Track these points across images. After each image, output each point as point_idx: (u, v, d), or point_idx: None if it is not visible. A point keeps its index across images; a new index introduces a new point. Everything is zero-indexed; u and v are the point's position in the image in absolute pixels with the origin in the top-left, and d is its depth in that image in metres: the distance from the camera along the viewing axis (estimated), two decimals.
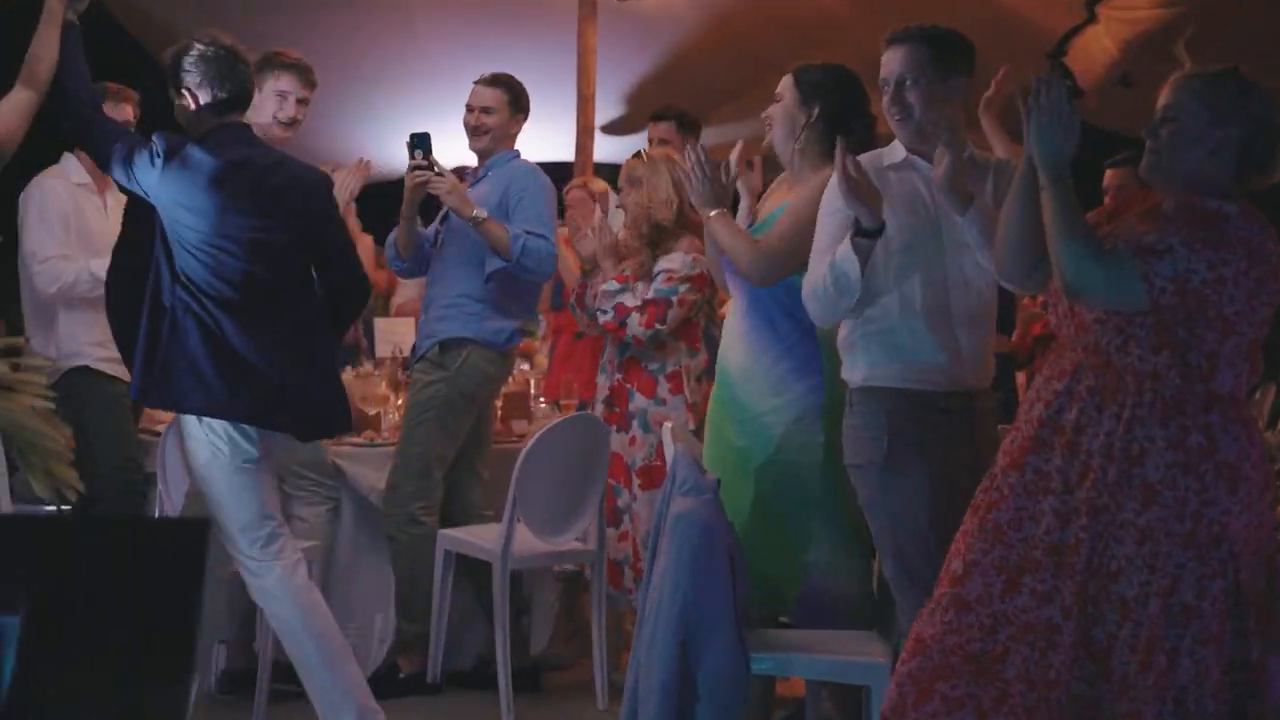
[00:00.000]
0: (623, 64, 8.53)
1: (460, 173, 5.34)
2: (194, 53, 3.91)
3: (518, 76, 5.10)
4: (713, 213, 3.77)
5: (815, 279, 3.43)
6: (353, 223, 6.23)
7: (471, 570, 4.82)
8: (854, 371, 3.49)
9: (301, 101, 4.75)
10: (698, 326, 4.93)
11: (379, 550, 4.97)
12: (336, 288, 4.13)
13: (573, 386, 5.52)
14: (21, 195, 5.14)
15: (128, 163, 3.87)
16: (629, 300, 4.75)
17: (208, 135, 3.91)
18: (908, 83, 3.39)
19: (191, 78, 3.90)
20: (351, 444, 5.04)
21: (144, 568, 1.78)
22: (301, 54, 4.86)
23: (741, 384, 3.86)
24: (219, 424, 3.89)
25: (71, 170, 5.21)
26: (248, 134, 4.03)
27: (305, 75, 4.77)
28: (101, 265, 4.90)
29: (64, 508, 4.93)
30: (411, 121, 7.25)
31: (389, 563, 4.92)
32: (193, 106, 3.92)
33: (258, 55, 4.34)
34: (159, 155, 3.83)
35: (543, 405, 5.63)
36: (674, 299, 4.74)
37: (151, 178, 3.85)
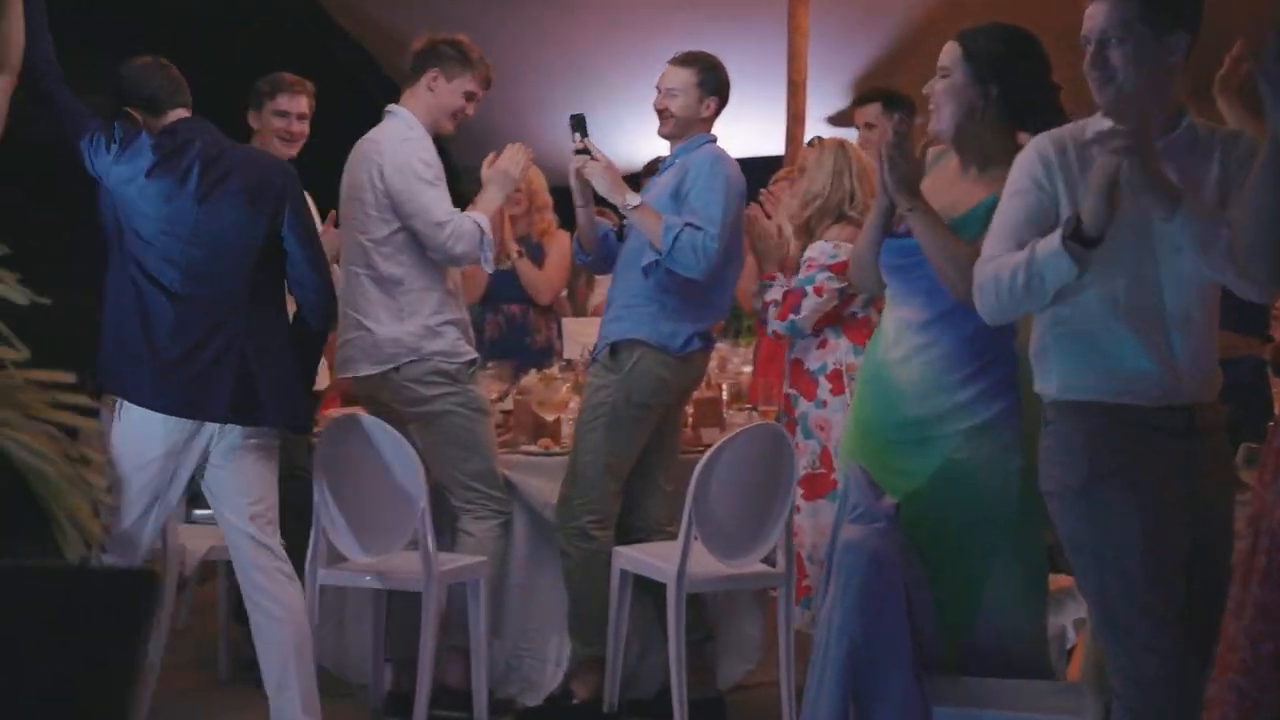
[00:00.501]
0: (846, 49, 8.08)
1: (655, 166, 5.03)
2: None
3: (728, 65, 4.69)
4: (909, 208, 3.24)
5: (995, 271, 2.91)
6: (549, 218, 5.97)
7: (654, 590, 4.47)
8: (1047, 383, 2.96)
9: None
10: (865, 322, 4.53)
11: (554, 568, 4.67)
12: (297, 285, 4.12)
13: (772, 391, 5.16)
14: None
15: (91, 145, 3.88)
16: (773, 294, 4.49)
17: (165, 128, 3.96)
18: (1112, 41, 2.86)
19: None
20: (525, 452, 4.75)
21: (84, 619, 1.49)
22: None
23: (916, 402, 3.35)
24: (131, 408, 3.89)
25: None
26: (201, 125, 4.03)
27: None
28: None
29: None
30: (620, 113, 6.96)
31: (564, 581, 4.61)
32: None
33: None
34: (115, 141, 3.87)
35: (740, 412, 5.24)
36: (809, 288, 4.46)
37: (105, 162, 3.87)
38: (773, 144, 7.50)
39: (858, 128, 5.64)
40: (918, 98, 4.68)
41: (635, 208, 4.46)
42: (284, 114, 5.04)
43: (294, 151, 5.07)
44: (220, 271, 3.94)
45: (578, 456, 4.53)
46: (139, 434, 3.88)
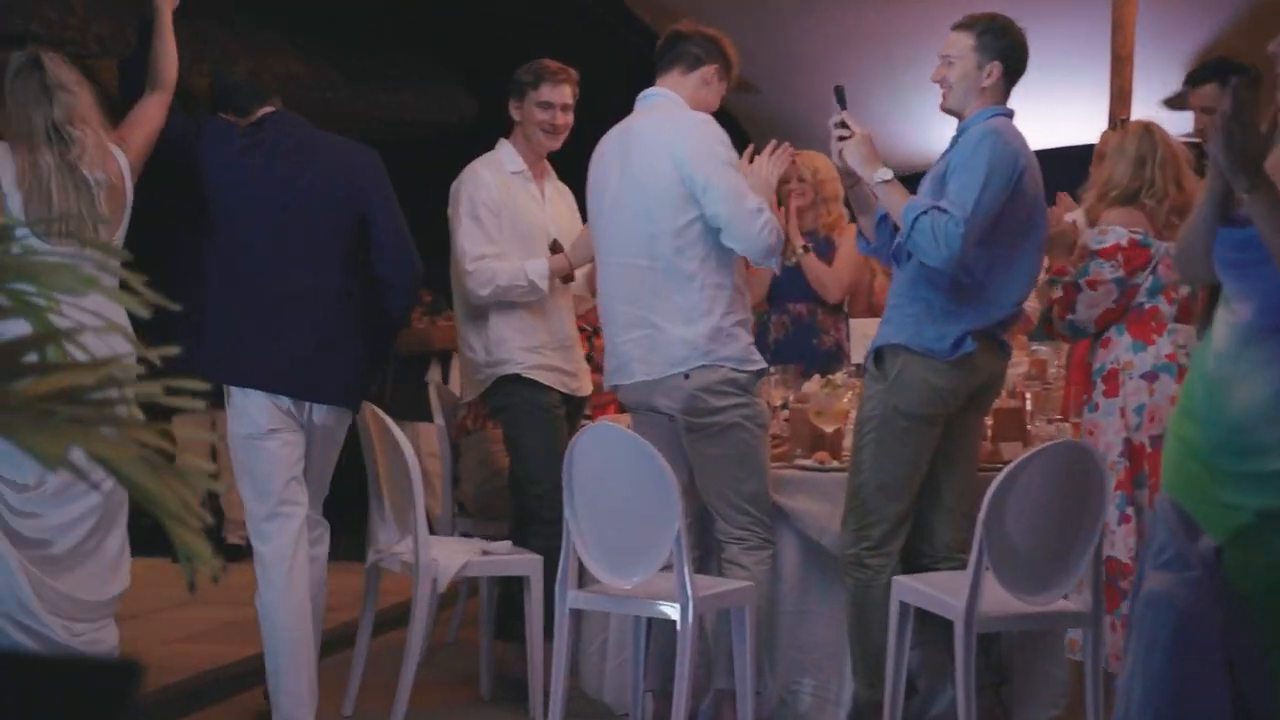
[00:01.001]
0: (1181, 21, 7.28)
1: None
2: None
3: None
4: (1247, 189, 2.64)
5: None
6: (838, 210, 5.50)
7: (942, 625, 3.95)
8: None
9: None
10: (1151, 313, 3.95)
11: (829, 594, 4.22)
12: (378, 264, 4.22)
13: (1082, 399, 4.56)
14: (453, 186, 4.79)
15: (180, 138, 4.08)
16: (1057, 291, 4.03)
17: (254, 121, 4.17)
18: None
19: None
20: (799, 467, 4.31)
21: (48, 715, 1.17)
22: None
23: (1258, 426, 2.72)
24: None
25: (506, 158, 4.80)
26: (288, 116, 4.25)
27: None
28: (538, 268, 4.55)
29: (494, 541, 4.57)
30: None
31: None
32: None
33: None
34: (213, 136, 4.11)
35: (1050, 424, 4.65)
36: (1082, 281, 4.01)
37: (206, 155, 4.07)
38: (1097, 132, 6.80)
39: (1194, 112, 4.96)
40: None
41: (884, 182, 3.96)
42: (547, 105, 4.75)
43: (557, 144, 4.80)
44: (308, 255, 4.09)
45: (853, 476, 4.07)
46: (251, 418, 4.07)
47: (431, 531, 4.50)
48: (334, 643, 4.88)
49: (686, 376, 4.07)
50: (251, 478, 4.11)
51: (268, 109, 4.21)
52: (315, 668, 4.13)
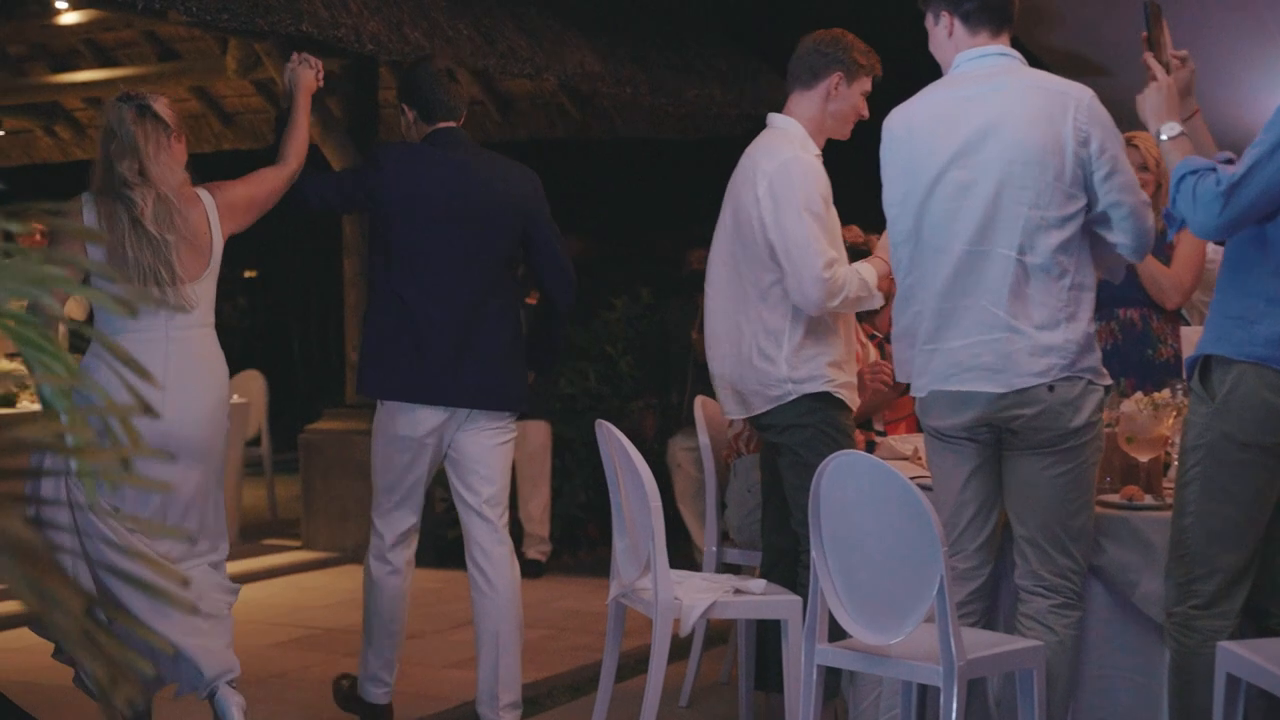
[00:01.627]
0: None
1: None
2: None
3: None
4: None
5: None
6: None
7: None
8: None
9: None
10: None
11: (1148, 664, 3.49)
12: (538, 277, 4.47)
13: None
14: (760, 171, 4.10)
15: (357, 177, 4.31)
16: None
17: (428, 135, 4.32)
18: None
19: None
20: (1107, 503, 3.58)
21: None
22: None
23: None
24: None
25: (810, 145, 4.18)
26: (459, 135, 4.35)
27: None
28: (871, 273, 4.02)
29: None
30: None
31: None
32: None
33: None
34: (379, 163, 4.27)
35: None
36: None
37: (370, 183, 4.24)
38: None
39: None
40: None
41: (1170, 139, 3.30)
42: (864, 95, 4.23)
43: (848, 135, 4.25)
44: (473, 268, 4.23)
45: (1176, 518, 3.33)
46: (401, 428, 4.24)
47: (694, 564, 4.03)
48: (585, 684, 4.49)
49: (1051, 389, 3.42)
50: (389, 470, 4.31)
51: (448, 123, 4.32)
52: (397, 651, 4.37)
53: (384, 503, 4.32)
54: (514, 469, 7.24)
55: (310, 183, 4.24)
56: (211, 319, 4.00)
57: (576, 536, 7.88)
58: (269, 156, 4.18)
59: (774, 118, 4.26)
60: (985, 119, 3.46)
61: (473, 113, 8.92)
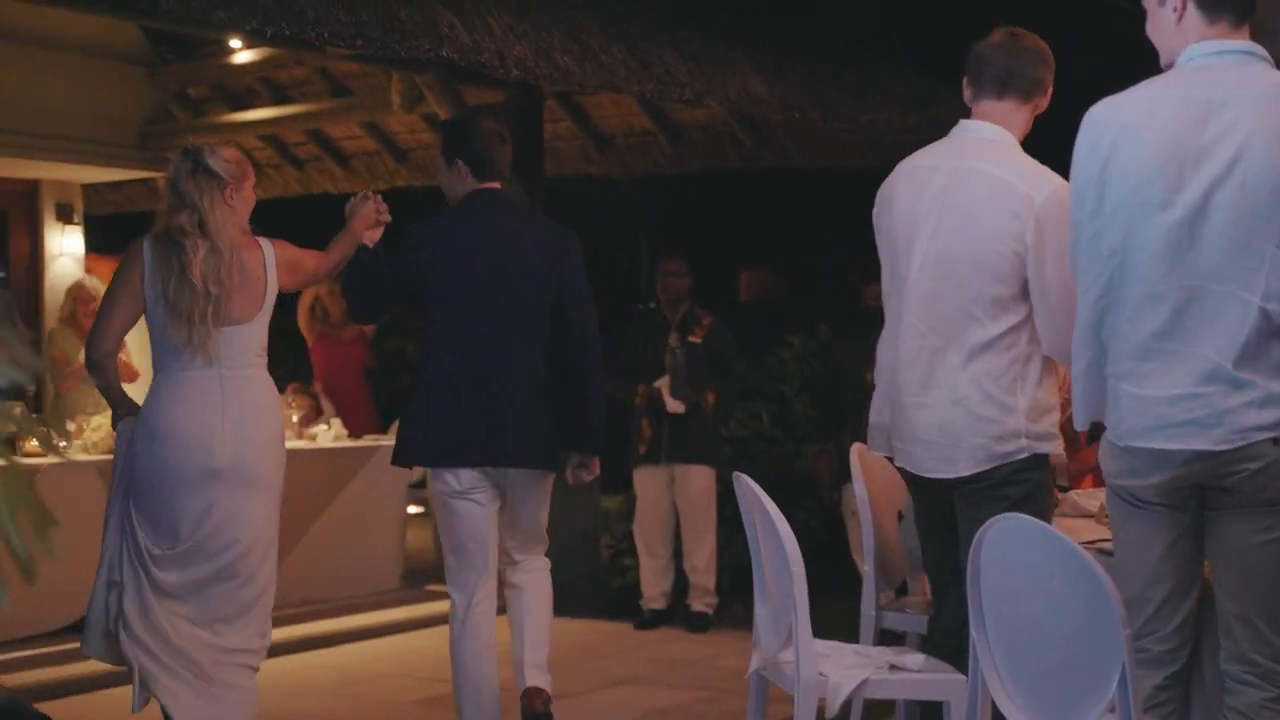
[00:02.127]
0: None
1: None
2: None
3: None
4: None
5: None
6: None
7: None
8: None
9: None
10: None
11: None
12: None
13: None
14: (1036, 206, 3.47)
15: (415, 256, 4.43)
16: None
17: (471, 194, 4.49)
18: None
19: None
20: None
21: None
22: None
23: None
24: None
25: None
26: (499, 195, 4.52)
27: None
28: None
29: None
30: None
31: None
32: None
33: None
34: (423, 243, 4.43)
35: None
36: None
37: (419, 256, 4.42)
38: None
39: None
40: None
41: None
42: None
43: None
44: (512, 328, 4.38)
45: None
46: (447, 480, 4.40)
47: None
48: None
49: (1277, 442, 2.86)
50: (448, 533, 4.45)
51: (492, 184, 4.48)
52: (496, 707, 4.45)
53: (450, 564, 4.46)
54: (676, 517, 6.99)
55: (373, 282, 4.46)
56: (263, 359, 4.26)
57: (747, 587, 7.47)
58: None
59: (989, 128, 3.60)
60: (1228, 134, 2.86)
61: (642, 143, 8.65)
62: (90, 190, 9.84)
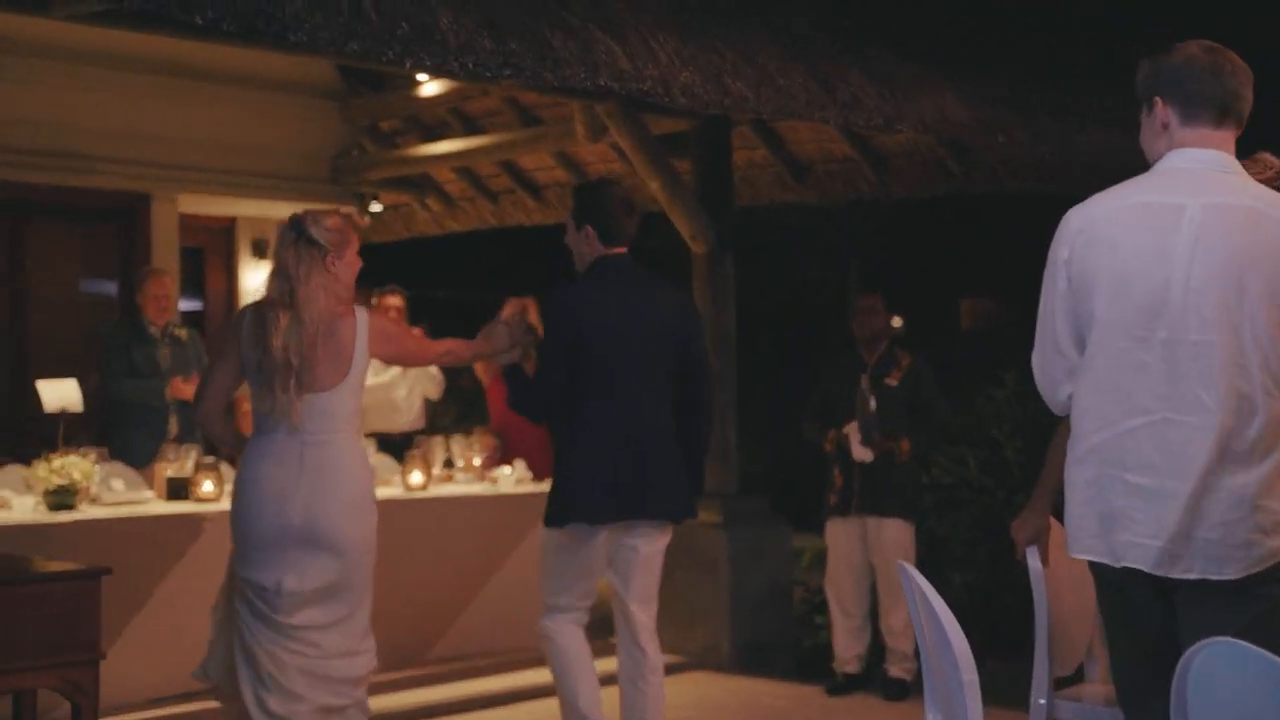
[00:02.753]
0: None
1: None
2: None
3: None
4: None
5: None
6: None
7: None
8: None
9: None
10: None
11: None
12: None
13: None
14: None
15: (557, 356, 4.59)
16: None
17: (599, 259, 4.67)
18: None
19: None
20: None
21: None
22: None
23: None
24: None
25: None
26: (626, 260, 4.68)
27: None
28: None
29: None
30: None
31: None
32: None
33: None
34: (569, 314, 4.59)
35: None
36: None
37: (571, 330, 4.59)
38: None
39: None
40: None
41: None
42: None
43: None
44: (641, 387, 4.57)
45: None
46: (588, 543, 4.61)
47: None
48: None
49: None
50: (557, 574, 4.68)
51: (618, 249, 4.63)
52: None
53: (550, 597, 4.71)
54: (873, 575, 6.49)
55: (542, 389, 4.59)
56: (352, 426, 4.32)
57: None
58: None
59: (1228, 160, 3.01)
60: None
61: (843, 170, 8.17)
62: None
